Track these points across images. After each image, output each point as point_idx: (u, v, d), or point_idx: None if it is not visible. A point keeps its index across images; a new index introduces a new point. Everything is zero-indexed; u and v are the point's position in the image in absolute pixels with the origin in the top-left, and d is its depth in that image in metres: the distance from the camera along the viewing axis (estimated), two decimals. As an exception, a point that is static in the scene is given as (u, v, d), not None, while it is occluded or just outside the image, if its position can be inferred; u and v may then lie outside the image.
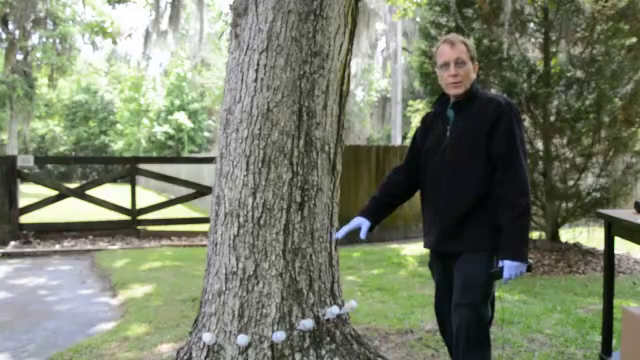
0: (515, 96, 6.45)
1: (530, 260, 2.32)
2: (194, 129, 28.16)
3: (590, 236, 7.14)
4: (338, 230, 2.73)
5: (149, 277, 5.76)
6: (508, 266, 2.25)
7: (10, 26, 20.86)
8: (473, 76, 2.46)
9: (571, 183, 6.78)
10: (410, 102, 16.95)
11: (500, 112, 2.35)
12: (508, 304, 4.51)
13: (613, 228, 2.88)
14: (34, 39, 22.31)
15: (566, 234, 7.48)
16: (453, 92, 2.44)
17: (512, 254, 2.25)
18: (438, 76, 2.51)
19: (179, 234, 9.08)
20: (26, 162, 8.51)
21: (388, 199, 2.66)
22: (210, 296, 2.82)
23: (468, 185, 2.38)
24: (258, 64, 2.73)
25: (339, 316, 2.85)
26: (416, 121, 16.14)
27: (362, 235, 2.56)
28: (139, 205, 9.10)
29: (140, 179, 13.92)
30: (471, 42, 2.54)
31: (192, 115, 28.38)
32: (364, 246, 7.85)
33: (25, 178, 8.63)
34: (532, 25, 7.07)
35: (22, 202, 8.52)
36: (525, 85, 6.58)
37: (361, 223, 2.59)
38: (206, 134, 29.02)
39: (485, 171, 2.36)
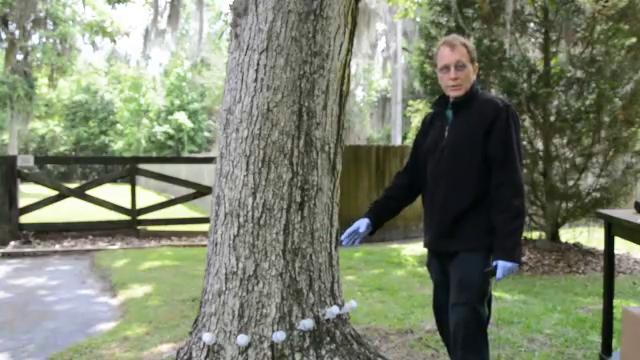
0: (515, 96, 6.45)
1: (522, 258, 2.34)
2: (194, 129, 28.17)
3: (590, 236, 7.14)
4: (339, 231, 2.73)
5: (149, 277, 5.76)
6: (502, 266, 2.26)
7: (10, 26, 20.86)
8: (473, 77, 2.47)
9: (571, 183, 6.78)
10: (410, 102, 16.94)
11: (497, 113, 2.36)
12: (508, 304, 4.51)
13: (613, 228, 2.88)
14: (34, 39, 22.31)
15: (566, 234, 7.48)
16: (453, 94, 2.46)
17: (506, 255, 2.27)
18: (438, 78, 2.52)
19: (179, 234, 9.08)
20: (26, 162, 8.51)
21: (389, 202, 2.68)
22: (210, 296, 2.82)
23: (465, 185, 2.39)
24: (258, 64, 2.73)
25: (339, 316, 2.85)
26: (416, 121, 16.14)
27: (361, 229, 2.58)
28: (139, 205, 9.10)
29: (140, 179, 13.91)
30: (471, 43, 2.54)
31: (192, 115, 28.38)
32: (364, 246, 7.84)
33: (25, 178, 8.62)
34: (532, 25, 7.07)
35: (22, 202, 8.51)
36: (525, 85, 6.57)
37: (361, 223, 2.61)
38: (206, 134, 29.03)
39: (482, 171, 2.38)
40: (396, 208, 2.69)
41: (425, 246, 2.60)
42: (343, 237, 2.62)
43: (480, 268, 2.33)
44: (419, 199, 2.71)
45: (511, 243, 2.28)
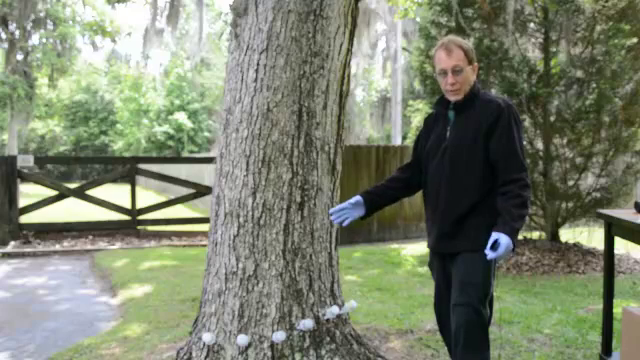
0: (515, 96, 6.45)
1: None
2: (194, 129, 28.17)
3: (590, 236, 7.14)
4: (339, 231, 2.72)
5: (149, 277, 5.76)
6: (506, 242, 2.19)
7: (10, 26, 20.86)
8: (473, 78, 2.46)
9: (571, 183, 6.78)
10: (410, 102, 16.95)
11: (499, 113, 2.36)
12: (508, 304, 4.51)
13: (613, 228, 2.88)
14: (34, 39, 22.32)
15: (566, 234, 7.48)
16: (453, 99, 2.46)
17: (509, 232, 2.21)
18: (438, 81, 2.52)
19: (179, 234, 9.08)
20: (26, 162, 8.51)
21: (386, 190, 2.64)
22: (210, 296, 2.82)
23: (467, 185, 2.38)
24: (258, 64, 2.73)
25: (339, 316, 2.85)
26: (416, 121, 16.15)
27: (350, 202, 2.50)
28: (139, 205, 9.10)
29: (140, 179, 13.92)
30: (469, 43, 2.50)
31: (192, 115, 28.38)
32: (364, 246, 7.85)
33: (25, 178, 8.63)
34: (532, 25, 7.07)
35: (22, 202, 8.52)
36: (525, 85, 6.57)
37: (353, 198, 2.53)
38: (206, 134, 29.03)
39: (484, 172, 2.37)
40: (392, 196, 2.65)
41: (428, 247, 2.60)
42: (331, 211, 2.54)
43: (482, 268, 2.32)
44: (420, 199, 2.70)
45: (515, 225, 2.24)
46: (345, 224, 2.54)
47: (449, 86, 2.42)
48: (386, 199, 2.64)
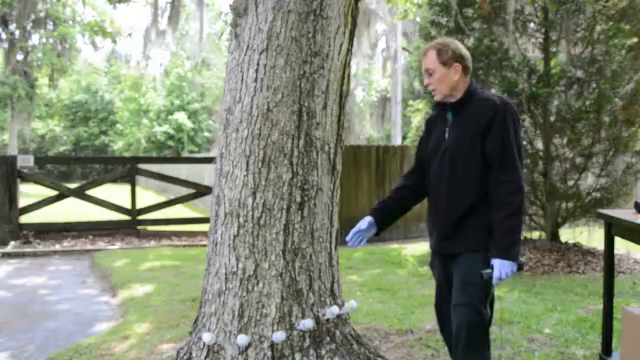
0: (515, 96, 6.45)
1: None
2: (194, 129, 28.17)
3: (590, 236, 7.13)
4: (339, 231, 2.72)
5: (149, 277, 5.76)
6: (498, 265, 2.24)
7: (10, 26, 20.86)
8: (454, 79, 2.43)
9: (571, 183, 6.78)
10: (410, 102, 16.94)
11: (495, 112, 2.36)
12: (508, 304, 4.51)
13: (613, 228, 2.88)
14: (34, 39, 22.32)
15: (566, 234, 7.48)
16: (435, 99, 2.52)
17: (502, 253, 2.25)
18: None
19: (179, 234, 9.08)
20: (26, 162, 8.51)
21: (394, 202, 2.66)
22: (210, 296, 2.82)
23: (466, 186, 2.38)
24: (258, 64, 2.73)
25: (339, 316, 2.85)
26: (416, 121, 16.14)
27: (362, 226, 2.57)
28: (139, 205, 9.10)
29: (140, 179, 13.87)
30: (452, 44, 2.45)
31: (192, 115, 28.38)
32: (364, 246, 7.84)
33: (25, 178, 8.63)
34: (532, 25, 7.07)
35: (22, 202, 8.51)
36: (525, 85, 6.57)
37: (363, 221, 2.59)
38: (206, 134, 29.03)
39: (484, 171, 2.37)
40: (401, 208, 2.67)
41: (430, 247, 2.60)
42: (348, 238, 2.59)
43: (482, 269, 2.33)
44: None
45: (506, 241, 2.25)
46: (362, 244, 2.61)
47: (427, 87, 2.49)
48: (396, 211, 2.66)
